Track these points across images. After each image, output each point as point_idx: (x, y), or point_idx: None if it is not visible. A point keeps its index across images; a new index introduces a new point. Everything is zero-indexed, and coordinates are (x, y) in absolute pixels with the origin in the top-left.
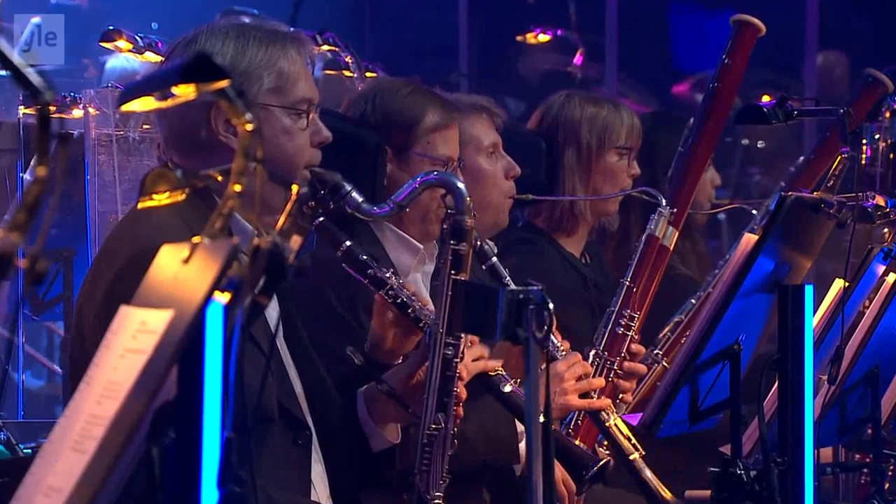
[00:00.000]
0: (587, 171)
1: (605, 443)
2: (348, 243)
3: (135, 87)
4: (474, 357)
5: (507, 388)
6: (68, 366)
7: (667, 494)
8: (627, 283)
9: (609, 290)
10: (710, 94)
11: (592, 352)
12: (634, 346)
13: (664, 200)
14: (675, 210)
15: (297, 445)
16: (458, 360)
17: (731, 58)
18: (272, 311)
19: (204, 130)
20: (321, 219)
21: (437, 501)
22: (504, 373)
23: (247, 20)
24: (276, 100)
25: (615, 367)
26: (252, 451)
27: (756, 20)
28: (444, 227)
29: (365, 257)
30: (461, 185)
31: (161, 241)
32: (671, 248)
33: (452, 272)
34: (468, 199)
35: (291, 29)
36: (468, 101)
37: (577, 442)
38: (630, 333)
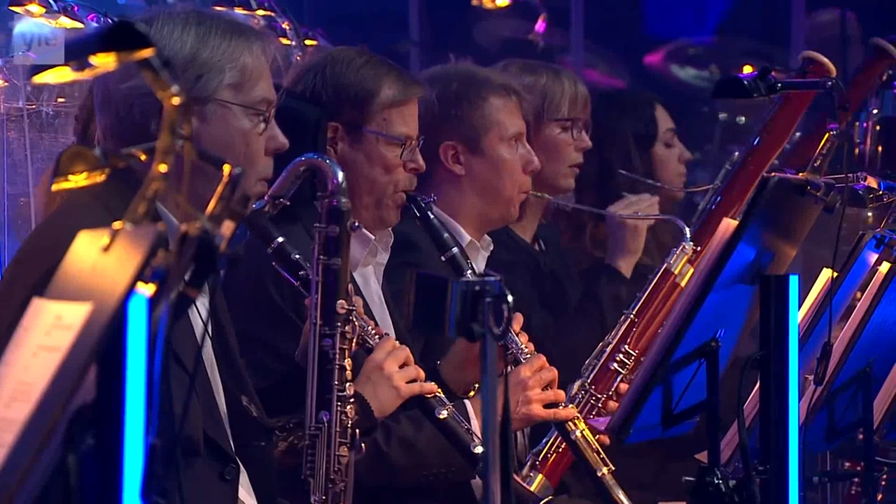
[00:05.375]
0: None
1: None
2: (280, 240)
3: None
4: (409, 378)
5: (443, 414)
6: None
7: None
8: (632, 316)
9: (568, 279)
10: (754, 144)
11: (577, 383)
12: (623, 387)
13: (689, 233)
14: (698, 248)
15: (224, 480)
16: (336, 352)
17: (787, 101)
18: (197, 318)
19: (154, 122)
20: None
21: None
22: (441, 395)
23: None
24: (236, 97)
25: (599, 405)
26: (179, 462)
27: (828, 62)
28: (319, 209)
29: (297, 257)
30: (329, 163)
31: None
32: (682, 286)
33: (322, 256)
34: (341, 178)
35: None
36: (499, 81)
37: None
38: (624, 372)
